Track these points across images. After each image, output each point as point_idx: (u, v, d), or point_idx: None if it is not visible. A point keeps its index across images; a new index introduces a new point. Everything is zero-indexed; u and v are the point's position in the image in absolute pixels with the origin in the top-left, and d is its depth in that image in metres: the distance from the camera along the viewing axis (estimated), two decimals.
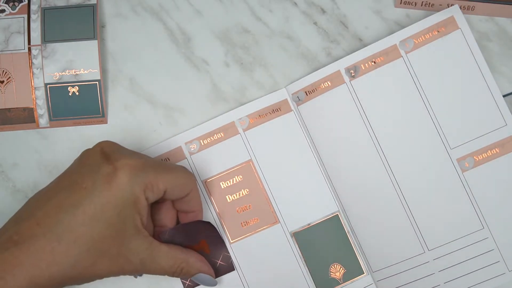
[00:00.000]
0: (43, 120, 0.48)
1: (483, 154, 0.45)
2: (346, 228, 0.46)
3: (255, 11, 0.50)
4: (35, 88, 0.47)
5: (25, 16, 0.48)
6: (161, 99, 0.49)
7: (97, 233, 0.36)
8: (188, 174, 0.41)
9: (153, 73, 0.49)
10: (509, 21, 0.49)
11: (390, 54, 0.46)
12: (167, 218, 0.42)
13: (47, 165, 0.48)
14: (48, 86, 0.47)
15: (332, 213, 0.46)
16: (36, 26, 0.47)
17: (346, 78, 0.46)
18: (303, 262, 0.45)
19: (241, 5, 0.50)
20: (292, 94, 0.47)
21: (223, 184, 0.46)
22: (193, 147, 0.47)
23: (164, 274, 0.40)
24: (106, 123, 0.48)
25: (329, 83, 0.46)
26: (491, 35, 0.48)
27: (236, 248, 0.46)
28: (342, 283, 0.45)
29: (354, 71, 0.46)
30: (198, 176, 0.46)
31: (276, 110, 0.47)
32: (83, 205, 0.35)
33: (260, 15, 0.50)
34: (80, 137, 0.48)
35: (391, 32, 0.49)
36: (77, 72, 0.47)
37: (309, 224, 0.46)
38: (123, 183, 0.36)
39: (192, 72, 0.49)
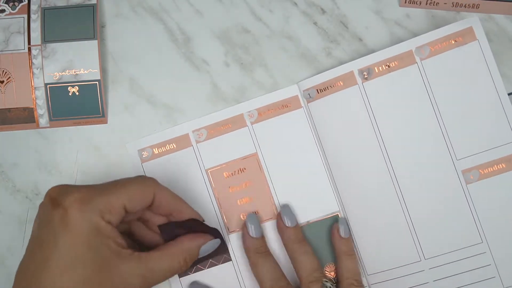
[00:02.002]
0: (43, 120, 0.48)
1: (489, 168, 0.44)
2: None
3: (255, 11, 0.50)
4: (35, 88, 0.47)
5: (25, 16, 0.48)
6: (161, 99, 0.49)
7: (81, 277, 0.35)
8: (142, 182, 0.39)
9: (153, 73, 0.49)
10: (509, 21, 0.49)
11: (405, 60, 0.45)
12: (152, 230, 0.42)
13: (47, 165, 0.48)
14: (48, 86, 0.47)
15: (332, 213, 0.46)
16: (36, 26, 0.47)
17: (358, 79, 0.46)
18: None
19: (241, 5, 0.50)
20: (304, 91, 0.47)
21: (226, 174, 0.47)
22: (200, 136, 0.47)
23: (174, 274, 0.39)
24: (106, 123, 0.48)
25: (342, 83, 0.46)
26: (491, 35, 0.48)
27: (233, 239, 0.46)
28: (335, 283, 0.45)
29: (367, 73, 0.46)
30: (202, 164, 0.47)
31: (286, 105, 0.47)
32: (53, 259, 0.35)
33: (260, 15, 0.50)
34: (80, 137, 0.48)
35: (391, 32, 0.49)
36: (77, 72, 0.47)
37: (308, 222, 0.46)
38: (76, 219, 0.35)
39: (192, 72, 0.49)
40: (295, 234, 0.44)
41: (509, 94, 0.46)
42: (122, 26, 0.50)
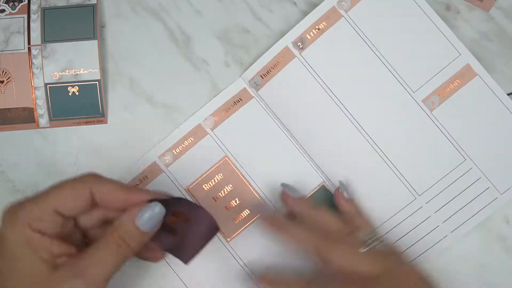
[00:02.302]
0: (43, 120, 0.48)
1: (445, 89, 0.45)
2: None
3: (255, 11, 0.50)
4: (35, 88, 0.47)
5: (25, 16, 0.48)
6: (161, 99, 0.49)
7: None
8: (75, 181, 0.35)
9: (153, 73, 0.49)
10: (509, 21, 0.49)
11: (331, 17, 0.46)
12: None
13: (47, 165, 0.48)
14: (48, 86, 0.47)
15: (318, 185, 0.46)
16: (36, 26, 0.47)
17: (295, 51, 0.46)
18: None
19: (241, 5, 0.50)
20: (249, 81, 0.47)
21: (205, 186, 0.46)
22: (167, 159, 0.47)
23: (123, 262, 0.34)
24: (106, 123, 0.48)
25: (281, 61, 0.46)
26: (491, 35, 0.48)
27: (234, 244, 0.46)
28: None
29: (301, 43, 0.46)
30: (179, 185, 0.46)
31: (238, 101, 0.47)
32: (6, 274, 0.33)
33: (260, 15, 0.50)
34: (80, 137, 0.48)
35: None
36: (77, 72, 0.47)
37: None
38: (8, 233, 0.33)
39: (192, 72, 0.49)
40: (307, 201, 0.44)
41: (509, 94, 0.46)
42: (122, 26, 0.50)
